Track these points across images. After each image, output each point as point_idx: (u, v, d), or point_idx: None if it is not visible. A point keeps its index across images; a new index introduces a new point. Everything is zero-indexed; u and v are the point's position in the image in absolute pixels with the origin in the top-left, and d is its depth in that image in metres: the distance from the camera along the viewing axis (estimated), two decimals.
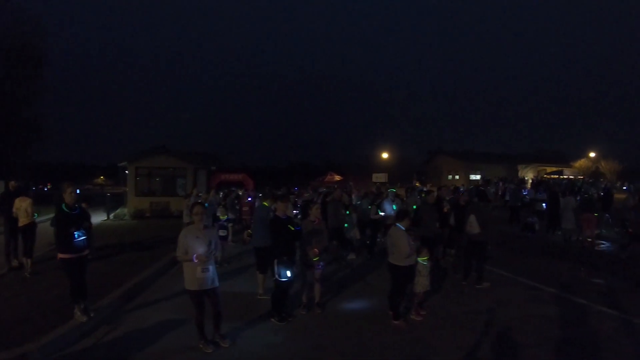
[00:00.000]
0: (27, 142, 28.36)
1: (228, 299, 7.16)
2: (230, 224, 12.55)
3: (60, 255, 6.39)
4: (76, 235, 6.36)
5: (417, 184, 27.60)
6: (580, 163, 51.78)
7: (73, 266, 6.38)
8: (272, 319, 6.77)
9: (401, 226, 6.75)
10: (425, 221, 9.30)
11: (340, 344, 5.99)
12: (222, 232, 10.27)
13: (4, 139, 26.71)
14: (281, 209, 7.09)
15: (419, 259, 6.91)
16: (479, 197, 13.11)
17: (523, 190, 22.49)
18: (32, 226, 9.46)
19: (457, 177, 47.79)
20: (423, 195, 12.05)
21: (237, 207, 16.69)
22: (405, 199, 13.69)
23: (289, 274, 6.61)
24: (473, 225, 8.90)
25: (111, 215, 22.20)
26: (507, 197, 20.75)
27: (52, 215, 7.76)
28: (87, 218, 6.85)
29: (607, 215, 17.18)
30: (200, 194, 14.44)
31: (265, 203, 8.57)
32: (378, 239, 12.35)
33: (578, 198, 15.41)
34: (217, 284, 5.71)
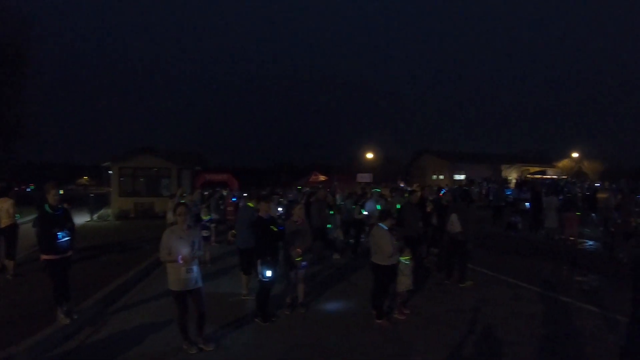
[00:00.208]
0: (10, 142, 27.95)
1: (212, 300, 7.17)
2: (213, 225, 12.52)
3: (44, 257, 6.34)
4: (60, 236, 6.32)
5: (401, 184, 27.70)
6: (563, 163, 52.47)
7: (56, 267, 6.34)
8: (256, 319, 6.78)
9: (384, 226, 6.81)
10: (409, 221, 9.37)
11: (324, 343, 6.03)
12: (204, 233, 10.26)
13: None
14: (264, 209, 7.10)
15: (402, 259, 6.97)
16: (462, 197, 13.21)
17: (506, 190, 22.75)
18: (14, 227, 9.34)
19: (441, 177, 48.09)
20: (407, 195, 12.13)
21: (222, 208, 16.65)
22: (390, 199, 13.78)
23: (271, 274, 6.63)
24: (455, 224, 9.00)
25: (95, 216, 22.01)
26: (491, 197, 20.98)
27: (34, 216, 7.69)
28: (70, 219, 6.80)
29: (593, 214, 17.43)
30: (184, 194, 14.38)
31: (249, 204, 8.57)
32: (362, 239, 12.41)
33: (560, 197, 15.62)
34: (201, 284, 5.70)
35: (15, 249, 9.33)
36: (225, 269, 10.41)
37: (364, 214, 11.92)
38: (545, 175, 42.97)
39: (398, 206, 10.91)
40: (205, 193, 18.59)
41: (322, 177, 37.37)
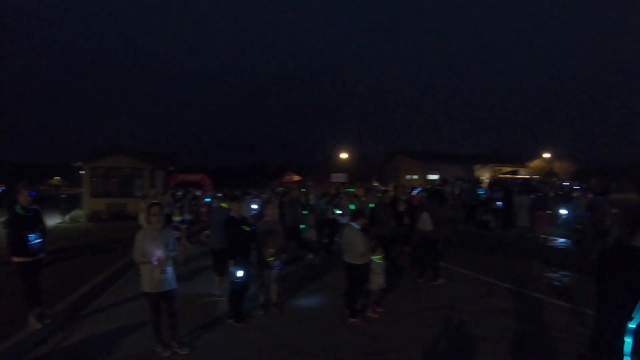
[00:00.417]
0: None
1: (185, 301, 7.15)
2: (184, 225, 12.44)
3: (15, 259, 6.22)
4: (32, 238, 6.22)
5: (375, 184, 27.91)
6: (535, 163, 53.38)
7: (28, 270, 6.23)
8: (230, 320, 6.79)
9: (356, 225, 6.89)
10: (381, 220, 9.47)
11: (297, 343, 6.08)
12: (176, 234, 10.20)
13: None
14: (235, 209, 7.12)
15: (374, 258, 7.05)
16: (436, 196, 13.43)
17: (479, 190, 23.08)
18: None
19: (415, 177, 48.46)
20: (380, 195, 12.26)
21: (195, 208, 16.56)
22: (363, 198, 13.88)
23: (244, 274, 6.64)
24: (426, 222, 9.14)
25: (67, 218, 21.58)
26: (464, 196, 21.25)
27: (5, 218, 7.55)
28: (42, 220, 6.69)
29: (565, 213, 17.80)
30: (157, 195, 14.23)
31: (223, 204, 8.55)
32: (336, 239, 12.48)
33: (532, 196, 15.93)
34: (174, 285, 5.69)
35: None
36: (199, 269, 10.37)
37: (338, 214, 12.00)
38: (517, 175, 43.73)
39: (372, 205, 11.02)
40: (179, 193, 18.44)
41: (296, 177, 37.43)
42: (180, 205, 13.33)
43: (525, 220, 13.90)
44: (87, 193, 22.82)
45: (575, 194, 18.05)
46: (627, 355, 1.95)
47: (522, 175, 43.71)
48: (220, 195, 17.82)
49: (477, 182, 24.28)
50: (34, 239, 6.25)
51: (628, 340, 1.93)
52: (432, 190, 18.98)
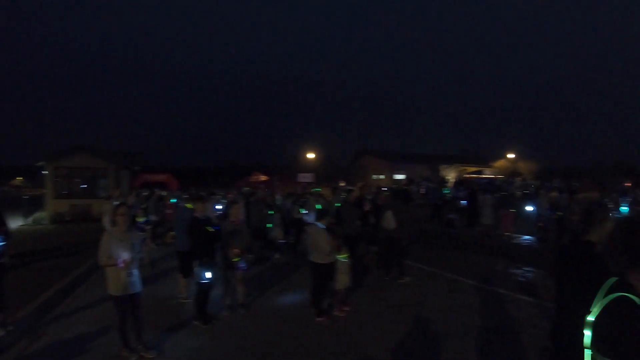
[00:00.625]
0: None
1: (151, 304, 7.15)
2: (149, 227, 12.31)
3: None
4: None
5: (342, 184, 28.07)
6: (499, 163, 54.39)
7: None
8: (196, 322, 6.77)
9: (321, 225, 7.00)
10: (347, 219, 9.58)
11: (264, 343, 6.12)
12: (141, 235, 10.10)
13: None
14: (200, 209, 7.12)
15: (339, 257, 7.17)
16: (401, 196, 13.60)
17: (444, 189, 23.49)
18: None
19: (382, 176, 48.75)
20: (344, 194, 12.42)
21: (161, 209, 16.37)
22: (330, 198, 13.99)
23: (209, 275, 6.64)
24: (390, 221, 9.31)
25: (29, 220, 20.99)
26: (430, 196, 21.62)
27: None
28: (4, 222, 6.55)
29: (531, 209, 18.26)
30: (121, 196, 14.02)
31: (188, 205, 8.51)
32: (302, 239, 12.56)
33: (496, 195, 16.33)
34: (140, 288, 5.66)
35: None
36: (164, 271, 10.29)
37: (303, 213, 12.09)
38: (482, 174, 44.57)
39: (338, 205, 11.15)
40: (144, 194, 18.18)
41: (262, 177, 37.30)
42: (145, 206, 13.18)
43: (490, 219, 14.28)
44: (50, 194, 22.20)
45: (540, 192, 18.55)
46: (587, 348, 2.05)
47: (487, 175, 44.58)
48: (187, 196, 17.67)
49: (443, 182, 24.74)
50: None
51: (587, 333, 2.04)
52: (398, 189, 19.25)
